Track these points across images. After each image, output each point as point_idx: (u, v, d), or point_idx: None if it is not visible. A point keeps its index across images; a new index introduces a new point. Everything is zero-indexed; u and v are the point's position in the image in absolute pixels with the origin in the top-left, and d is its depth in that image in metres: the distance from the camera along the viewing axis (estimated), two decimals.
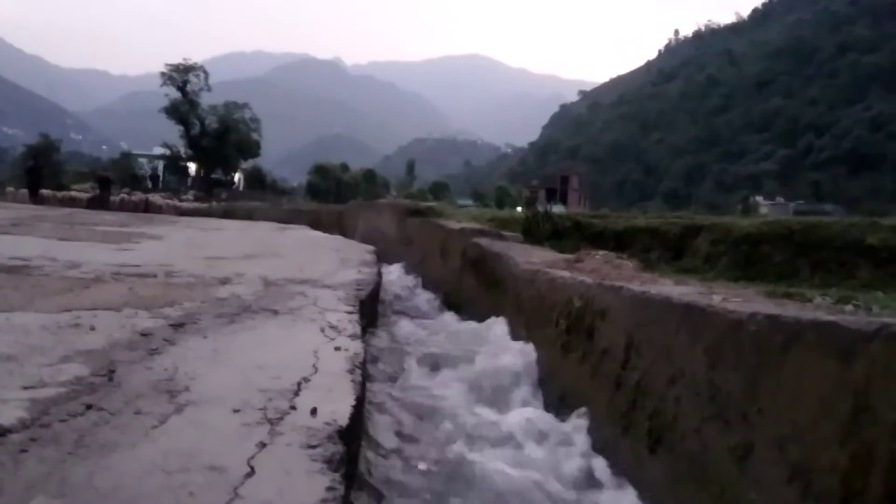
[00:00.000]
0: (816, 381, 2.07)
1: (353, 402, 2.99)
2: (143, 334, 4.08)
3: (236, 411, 2.76)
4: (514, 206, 76.75)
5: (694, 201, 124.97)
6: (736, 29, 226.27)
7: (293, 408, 2.85)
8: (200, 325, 4.47)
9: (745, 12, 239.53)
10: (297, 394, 3.06)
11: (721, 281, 13.25)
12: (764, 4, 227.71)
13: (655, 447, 3.10)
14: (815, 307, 3.16)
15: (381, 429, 4.02)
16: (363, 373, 3.73)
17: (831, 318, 2.11)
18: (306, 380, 3.31)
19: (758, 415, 2.35)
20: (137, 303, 5.14)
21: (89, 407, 2.68)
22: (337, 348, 3.99)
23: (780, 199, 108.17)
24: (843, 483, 1.86)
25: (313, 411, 2.79)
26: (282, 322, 4.77)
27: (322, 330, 4.53)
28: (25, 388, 2.87)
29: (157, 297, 5.51)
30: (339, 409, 2.85)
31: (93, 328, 4.14)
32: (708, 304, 2.92)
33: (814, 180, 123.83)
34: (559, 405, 4.59)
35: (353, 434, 2.90)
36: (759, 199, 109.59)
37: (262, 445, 2.38)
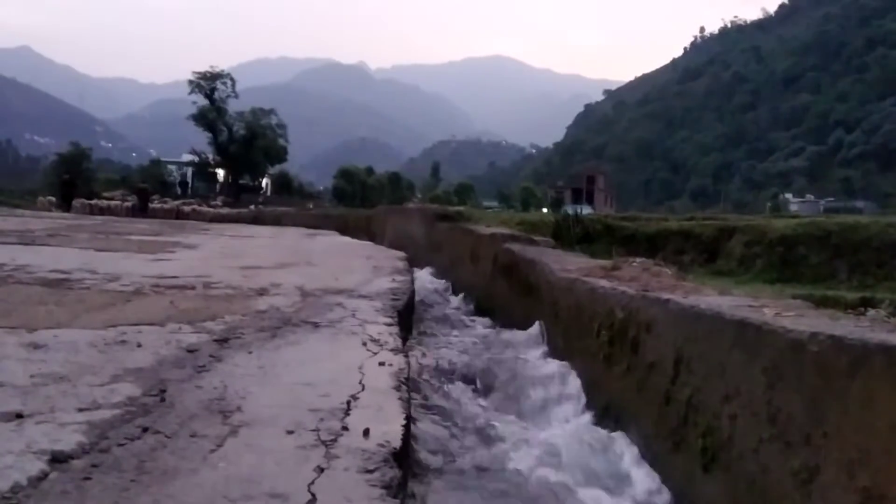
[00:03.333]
0: (886, 407, 2.03)
1: (403, 422, 2.98)
2: (189, 350, 4.11)
3: (290, 432, 2.76)
4: (540, 207, 76.55)
5: (723, 199, 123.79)
6: (762, 25, 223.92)
7: (345, 428, 2.84)
8: (244, 339, 4.50)
9: (772, 8, 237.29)
10: (347, 413, 3.06)
11: (757, 284, 13.13)
12: (791, 0, 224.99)
13: (710, 466, 3.05)
14: (871, 321, 3.10)
15: (421, 446, 4.01)
16: (409, 389, 3.72)
17: None
18: (355, 398, 3.31)
19: (823, 438, 2.30)
20: (179, 317, 5.18)
21: (146, 430, 2.70)
22: (381, 363, 3.99)
23: (810, 197, 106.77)
24: None
25: (366, 432, 2.78)
26: (323, 335, 4.78)
27: (364, 344, 4.53)
28: (81, 409, 2.90)
29: (198, 310, 5.55)
30: (391, 430, 2.84)
31: (139, 345, 4.17)
32: (763, 322, 2.87)
33: (844, 177, 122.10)
34: (603, 417, 4.56)
35: (405, 454, 2.90)
36: (789, 196, 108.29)
37: (320, 470, 2.38)
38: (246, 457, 2.48)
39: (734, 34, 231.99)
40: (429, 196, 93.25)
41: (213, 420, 2.89)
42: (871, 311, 3.65)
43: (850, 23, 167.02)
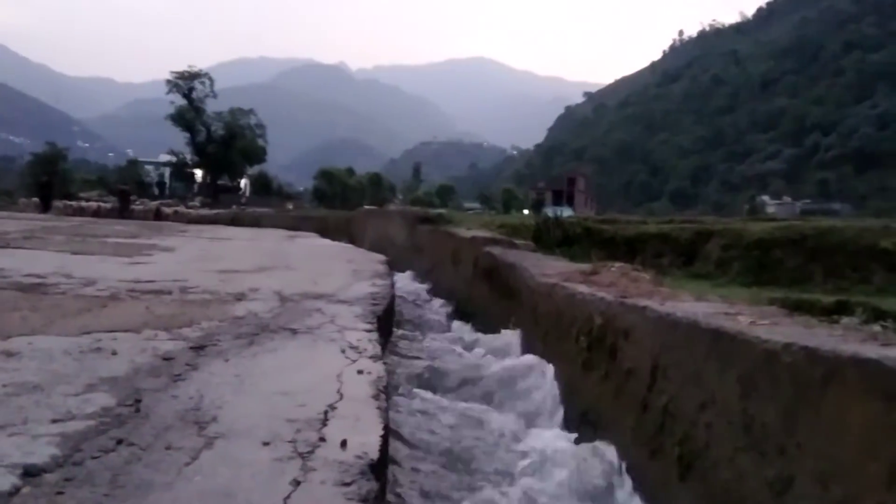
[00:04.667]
0: (859, 419, 2.05)
1: (381, 433, 2.97)
2: (165, 358, 4.07)
3: (266, 444, 2.74)
4: (521, 209, 76.70)
5: (701, 202, 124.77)
6: (740, 29, 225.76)
7: (322, 439, 2.83)
8: (221, 347, 4.47)
9: (750, 12, 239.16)
10: (324, 423, 3.05)
11: (734, 287, 13.24)
12: (768, 3, 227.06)
13: (686, 474, 3.07)
14: (845, 330, 3.13)
15: (401, 456, 4.00)
16: (387, 398, 3.71)
17: (872, 355, 2.09)
18: (332, 407, 3.29)
19: (797, 449, 2.33)
20: (156, 323, 5.14)
21: (120, 442, 2.67)
22: (360, 371, 3.98)
23: (787, 199, 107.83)
24: None
25: (343, 443, 2.77)
26: (302, 343, 4.76)
27: (343, 351, 4.51)
28: (54, 421, 2.87)
29: (174, 316, 5.51)
30: (369, 441, 2.83)
31: (115, 353, 4.13)
32: (738, 331, 2.89)
33: (821, 179, 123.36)
34: (581, 422, 4.57)
35: (383, 465, 2.89)
36: (766, 198, 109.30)
37: (297, 483, 2.37)
38: (221, 470, 2.46)
39: (712, 37, 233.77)
40: (410, 197, 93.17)
41: (189, 431, 2.86)
42: (846, 319, 3.70)
43: (827, 27, 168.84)
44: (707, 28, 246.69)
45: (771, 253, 16.20)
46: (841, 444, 2.11)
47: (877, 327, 3.37)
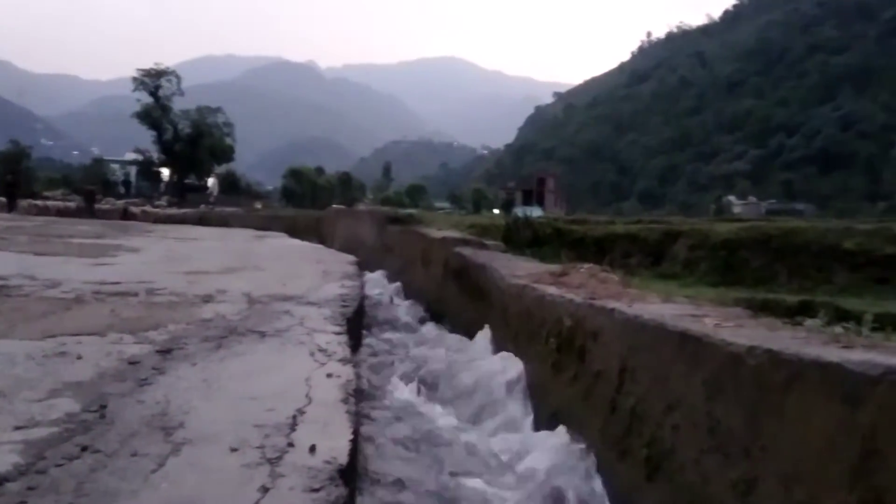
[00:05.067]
0: (821, 421, 2.09)
1: (351, 437, 2.96)
2: (131, 362, 4.02)
3: (234, 450, 2.72)
4: (492, 209, 76.91)
5: (668, 201, 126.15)
6: (707, 31, 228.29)
7: (291, 445, 2.81)
8: (188, 350, 4.42)
9: (717, 14, 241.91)
10: (293, 428, 3.03)
11: (701, 287, 13.41)
12: (734, 6, 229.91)
13: (653, 475, 3.11)
14: (808, 332, 3.19)
15: (371, 454, 3.99)
16: (357, 401, 3.70)
17: (834, 358, 2.13)
18: (301, 412, 3.27)
19: (761, 451, 2.37)
20: (121, 326, 5.07)
21: (85, 449, 2.63)
22: (329, 375, 3.96)
23: (752, 199, 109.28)
24: None
25: (312, 448, 2.76)
26: (270, 346, 4.73)
27: (312, 354, 4.49)
28: (18, 427, 2.82)
29: (140, 318, 5.44)
30: (338, 446, 2.82)
31: (79, 357, 4.07)
32: (704, 334, 2.93)
33: (785, 179, 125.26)
34: (551, 423, 4.60)
35: (353, 470, 2.88)
36: (732, 198, 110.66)
37: (265, 490, 2.35)
38: (189, 477, 2.44)
39: (680, 39, 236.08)
40: (380, 197, 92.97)
41: (155, 437, 2.83)
42: (809, 321, 3.76)
43: (791, 29, 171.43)
44: (675, 30, 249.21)
45: (737, 253, 16.44)
46: (803, 446, 2.15)
47: (839, 329, 3.43)
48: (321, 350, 4.59)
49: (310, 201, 70.65)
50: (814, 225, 18.22)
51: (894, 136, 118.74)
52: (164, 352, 4.33)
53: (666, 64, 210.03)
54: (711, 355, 2.77)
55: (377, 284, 13.11)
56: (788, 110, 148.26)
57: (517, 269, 7.36)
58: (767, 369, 2.39)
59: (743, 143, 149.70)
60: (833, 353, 2.21)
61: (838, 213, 74.31)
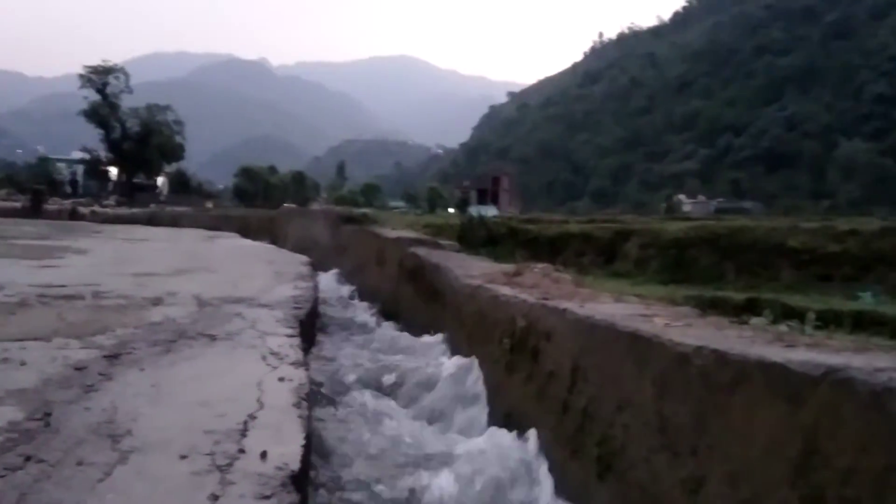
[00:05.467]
0: (765, 421, 2.14)
1: (303, 442, 2.94)
2: (77, 368, 3.93)
3: (183, 458, 2.68)
4: (447, 208, 76.93)
5: (621, 200, 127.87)
6: (657, 32, 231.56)
7: (242, 451, 2.78)
8: (136, 355, 4.34)
9: (666, 16, 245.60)
10: (244, 434, 2.99)
11: (652, 286, 13.61)
12: (684, 8, 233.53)
13: (605, 474, 3.14)
14: (754, 331, 3.26)
15: (328, 456, 3.96)
16: (310, 406, 3.67)
17: (777, 359, 2.18)
18: (252, 417, 3.24)
19: (708, 449, 2.41)
20: (67, 331, 4.95)
21: (28, 458, 2.56)
22: (281, 379, 3.92)
23: (701, 198, 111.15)
24: None
25: (263, 455, 2.73)
26: (221, 349, 4.66)
27: (263, 358, 4.44)
28: None
29: (87, 322, 5.33)
30: (290, 451, 2.79)
31: (23, 363, 3.97)
32: (653, 334, 2.97)
33: (733, 178, 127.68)
34: (505, 423, 4.62)
35: (305, 476, 2.86)
36: (683, 197, 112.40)
37: (215, 498, 2.32)
38: (136, 486, 2.39)
39: (631, 40, 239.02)
40: (334, 196, 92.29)
41: (102, 445, 2.77)
42: (755, 319, 3.84)
43: (739, 31, 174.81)
44: (626, 31, 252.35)
45: (686, 252, 16.75)
46: (748, 444, 2.19)
47: (783, 327, 3.51)
48: (273, 353, 4.55)
49: (262, 201, 69.79)
50: (760, 224, 18.66)
51: (837, 136, 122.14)
52: (112, 357, 4.24)
53: (617, 64, 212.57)
54: (660, 355, 2.81)
55: (331, 285, 13.02)
56: (736, 110, 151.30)
57: (471, 269, 7.38)
58: (714, 369, 2.43)
59: (692, 143, 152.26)
60: (777, 354, 2.26)
61: (784, 212, 76.19)
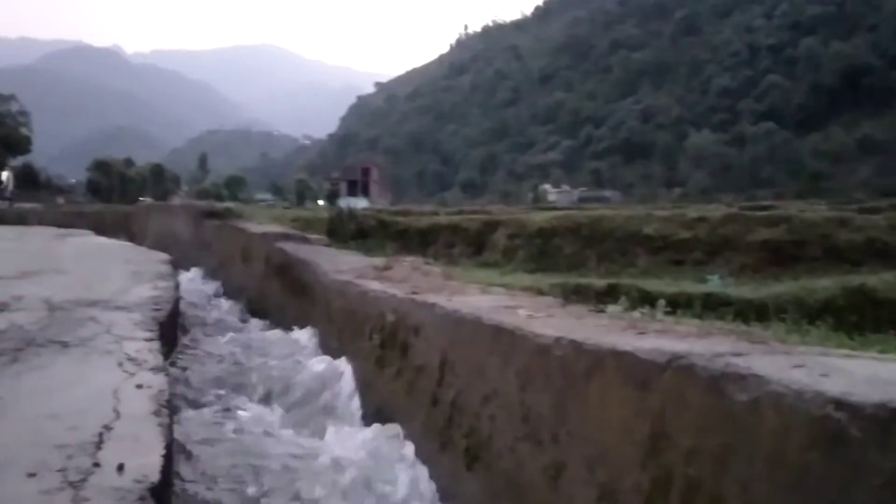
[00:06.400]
0: (618, 406, 2.26)
1: (163, 452, 2.82)
2: None
3: (32, 475, 2.51)
4: (316, 199, 75.93)
5: (489, 191, 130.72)
6: (520, 25, 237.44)
7: (97, 465, 2.63)
8: None
9: (529, 10, 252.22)
10: (99, 447, 2.84)
11: (519, 274, 14.02)
12: (545, 2, 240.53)
13: (472, 464, 3.22)
14: (610, 318, 3.42)
15: (193, 464, 3.83)
16: (170, 413, 3.53)
17: (628, 347, 2.30)
18: (108, 428, 3.08)
19: (567, 436, 2.52)
20: None
21: None
22: (139, 386, 3.74)
23: (565, 187, 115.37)
24: None
25: (120, 467, 2.60)
26: (73, 357, 4.40)
27: (120, 364, 4.22)
28: None
29: None
30: (149, 463, 2.67)
31: None
32: (516, 326, 3.06)
33: (594, 168, 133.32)
34: (376, 419, 4.63)
35: (166, 487, 2.75)
36: (548, 187, 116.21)
37: None
38: None
39: (495, 33, 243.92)
40: (196, 189, 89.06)
41: None
42: (611, 307, 4.03)
43: (596, 26, 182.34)
44: (491, 24, 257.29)
45: (551, 241, 17.37)
46: (604, 430, 2.31)
47: (637, 314, 3.72)
48: (130, 359, 4.33)
49: (119, 195, 66.35)
50: (618, 212, 19.61)
51: (687, 128, 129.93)
52: None
53: (483, 57, 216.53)
54: (523, 347, 2.90)
55: (194, 283, 12.57)
56: (595, 103, 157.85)
57: (341, 264, 7.34)
58: (572, 359, 2.54)
59: (556, 135, 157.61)
60: (628, 342, 2.39)
61: (641, 200, 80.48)
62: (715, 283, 16.23)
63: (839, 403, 1.56)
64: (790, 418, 1.65)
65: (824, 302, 14.62)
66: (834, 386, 1.64)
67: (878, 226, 20.09)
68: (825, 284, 15.33)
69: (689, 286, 13.69)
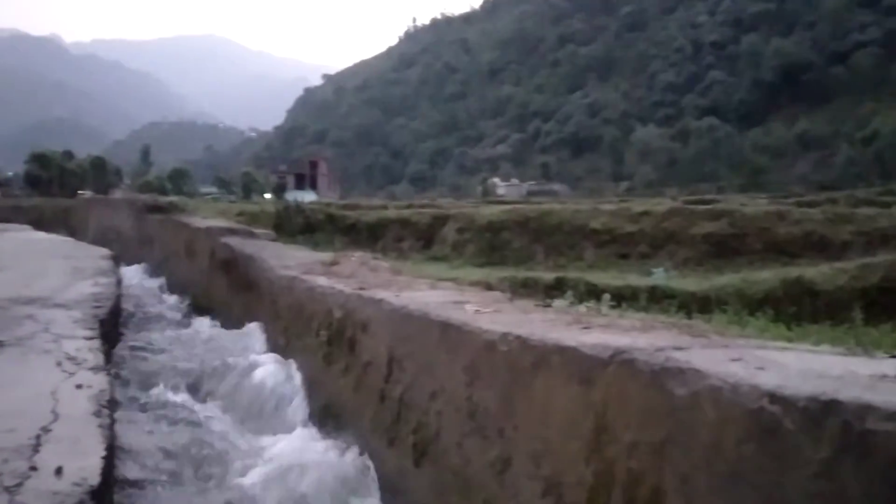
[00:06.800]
0: (563, 401, 2.29)
1: (104, 454, 2.76)
2: None
3: None
4: (263, 193, 74.98)
5: (439, 184, 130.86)
6: (469, 18, 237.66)
7: (34, 468, 2.56)
8: None
9: (477, 3, 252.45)
10: (36, 450, 2.76)
11: (469, 268, 14.10)
12: None
13: (420, 460, 3.22)
14: (557, 313, 3.46)
15: (137, 468, 3.75)
16: (111, 413, 3.46)
17: (572, 343, 2.33)
18: (46, 430, 3.00)
19: (514, 431, 2.54)
20: None
21: None
22: (79, 386, 3.66)
23: (515, 181, 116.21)
24: (590, 498, 2.09)
25: (58, 471, 2.54)
26: (9, 356, 4.27)
27: (59, 364, 4.12)
28: None
29: None
30: (89, 465, 2.62)
31: None
32: (464, 322, 3.08)
33: (543, 162, 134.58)
34: (323, 416, 4.61)
35: (107, 490, 2.69)
36: (497, 180, 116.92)
37: None
38: None
39: (444, 26, 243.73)
40: (139, 183, 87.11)
41: None
42: (557, 301, 4.07)
43: (544, 20, 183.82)
44: (439, 17, 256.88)
45: (500, 235, 17.47)
46: (549, 425, 2.34)
47: (583, 308, 3.76)
48: (70, 358, 4.23)
49: (58, 189, 64.48)
50: (566, 206, 19.83)
51: (634, 122, 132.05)
52: None
53: (432, 50, 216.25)
54: (470, 343, 2.92)
55: (137, 279, 12.31)
56: (544, 97, 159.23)
57: (287, 260, 7.26)
58: (518, 354, 2.56)
59: (505, 128, 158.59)
60: (572, 337, 2.42)
61: (588, 193, 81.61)
62: (659, 276, 16.57)
63: (773, 397, 1.60)
64: (727, 411, 1.70)
65: (764, 293, 15.07)
66: (769, 379, 1.69)
67: (815, 219, 20.76)
68: (765, 276, 15.79)
69: (635, 279, 13.95)
